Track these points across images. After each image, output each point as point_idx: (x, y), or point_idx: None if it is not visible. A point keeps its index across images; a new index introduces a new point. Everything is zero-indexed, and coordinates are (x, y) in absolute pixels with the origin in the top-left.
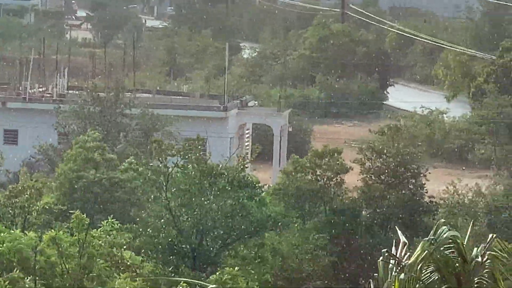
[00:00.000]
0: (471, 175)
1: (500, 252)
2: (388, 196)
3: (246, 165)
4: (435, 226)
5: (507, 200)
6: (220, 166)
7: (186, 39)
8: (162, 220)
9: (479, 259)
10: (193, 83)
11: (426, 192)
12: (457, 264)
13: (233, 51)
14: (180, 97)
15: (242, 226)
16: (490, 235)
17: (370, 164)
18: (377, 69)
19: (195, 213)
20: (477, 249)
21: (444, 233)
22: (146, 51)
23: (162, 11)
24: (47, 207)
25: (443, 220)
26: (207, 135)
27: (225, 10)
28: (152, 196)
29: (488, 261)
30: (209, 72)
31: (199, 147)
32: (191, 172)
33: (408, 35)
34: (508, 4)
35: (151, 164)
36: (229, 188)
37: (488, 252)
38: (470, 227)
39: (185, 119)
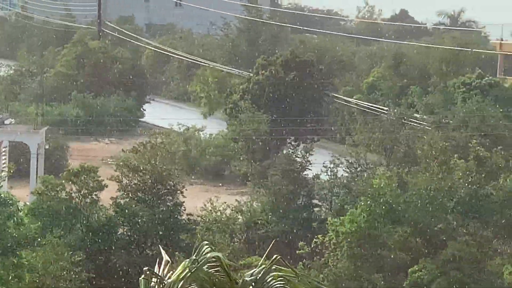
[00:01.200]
0: (228, 192)
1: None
2: (144, 213)
3: (1, 184)
4: (198, 246)
5: (265, 216)
6: None
7: None
8: None
9: (258, 278)
10: None
11: (184, 210)
12: (225, 285)
13: None
14: None
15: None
16: (274, 256)
17: (127, 181)
18: (134, 86)
19: None
20: (256, 270)
21: (206, 253)
22: None
23: None
24: None
25: (206, 242)
26: None
27: None
28: None
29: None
30: None
31: None
32: None
33: (164, 52)
34: (265, 21)
35: None
36: None
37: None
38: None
39: None
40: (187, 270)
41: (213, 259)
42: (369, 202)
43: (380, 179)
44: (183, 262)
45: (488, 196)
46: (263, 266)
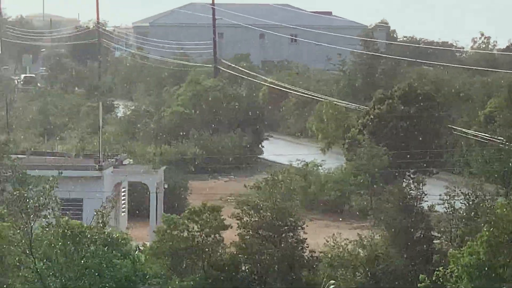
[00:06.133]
0: (349, 226)
1: None
2: (265, 251)
3: (105, 222)
4: (325, 284)
5: (385, 249)
6: (84, 225)
7: (59, 99)
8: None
9: None
10: (67, 143)
11: (307, 246)
12: None
13: (107, 110)
14: (55, 157)
15: (110, 284)
16: None
17: (247, 218)
18: (251, 123)
19: (62, 273)
20: None
21: None
22: (19, 112)
23: (34, 71)
24: None
25: (332, 281)
26: (83, 195)
27: (98, 69)
28: (17, 259)
29: None
30: (83, 132)
31: (58, 206)
32: (53, 232)
33: (280, 88)
34: (380, 54)
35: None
36: (95, 248)
37: None
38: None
39: (60, 179)
40: None
41: None
42: (488, 233)
43: (502, 208)
44: None
45: None
46: None
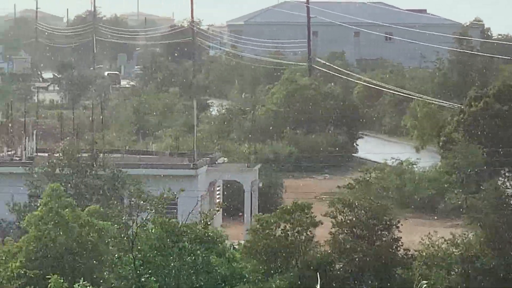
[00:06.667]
0: (443, 225)
1: None
2: (360, 249)
3: (209, 222)
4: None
5: (480, 249)
6: (181, 224)
7: (154, 97)
8: (128, 281)
9: None
10: (161, 142)
11: (402, 245)
12: None
13: (201, 108)
14: (150, 156)
15: (207, 283)
16: None
17: (342, 217)
18: (345, 121)
19: (159, 272)
20: None
21: None
22: (114, 111)
23: (129, 70)
24: (21, 272)
25: (425, 282)
26: (177, 193)
27: (192, 68)
28: (117, 256)
29: None
30: (177, 130)
31: (163, 205)
32: (153, 230)
33: (375, 86)
34: (475, 53)
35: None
36: (192, 246)
37: None
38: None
39: (155, 178)
40: None
41: None
42: None
43: None
44: None
45: None
46: None
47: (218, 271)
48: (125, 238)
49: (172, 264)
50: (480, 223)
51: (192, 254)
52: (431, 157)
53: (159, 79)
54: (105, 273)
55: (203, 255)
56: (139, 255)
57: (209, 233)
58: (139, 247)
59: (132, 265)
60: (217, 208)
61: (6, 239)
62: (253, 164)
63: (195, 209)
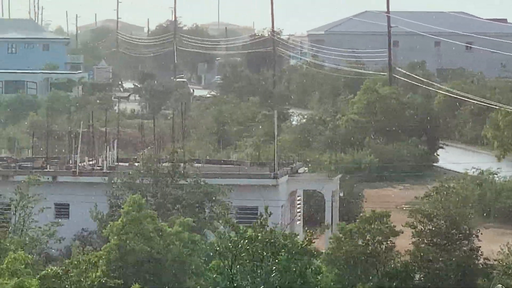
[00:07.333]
0: None
1: None
2: (440, 259)
3: (313, 241)
4: None
5: None
6: (282, 236)
7: (234, 107)
8: None
9: None
10: (242, 151)
11: (481, 254)
12: None
13: (282, 118)
14: (230, 165)
15: None
16: None
17: (422, 227)
18: (426, 131)
19: (257, 283)
20: None
21: None
22: (194, 121)
23: (209, 80)
24: (102, 281)
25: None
26: (258, 203)
27: (272, 78)
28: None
29: None
30: (258, 140)
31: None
32: (253, 241)
33: (456, 96)
34: None
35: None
36: (290, 258)
37: None
38: None
39: (235, 187)
40: None
41: None
42: None
43: None
44: None
45: None
46: None
47: (310, 284)
48: (223, 247)
49: (270, 276)
50: None
51: (292, 267)
52: None
53: (239, 89)
54: (191, 281)
55: (300, 268)
56: (238, 265)
57: (309, 248)
58: (235, 256)
59: (229, 274)
60: (298, 218)
61: (86, 248)
62: (334, 174)
63: (278, 218)
